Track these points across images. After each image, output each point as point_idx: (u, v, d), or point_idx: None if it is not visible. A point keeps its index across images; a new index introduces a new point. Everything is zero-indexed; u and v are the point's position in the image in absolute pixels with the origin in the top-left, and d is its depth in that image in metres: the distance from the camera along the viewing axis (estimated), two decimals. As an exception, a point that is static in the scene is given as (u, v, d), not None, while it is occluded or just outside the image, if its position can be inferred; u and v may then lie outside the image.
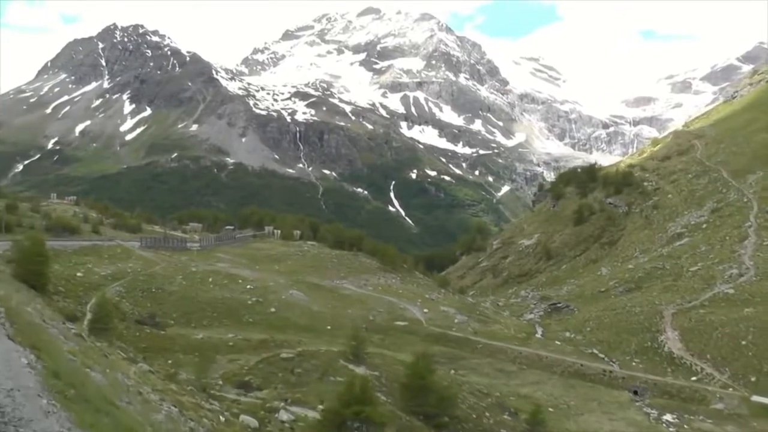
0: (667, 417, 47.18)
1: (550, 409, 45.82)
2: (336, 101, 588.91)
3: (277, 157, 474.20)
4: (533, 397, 49.71)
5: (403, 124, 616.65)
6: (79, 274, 62.23)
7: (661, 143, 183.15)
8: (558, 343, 69.35)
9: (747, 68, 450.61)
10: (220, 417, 20.83)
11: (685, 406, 49.47)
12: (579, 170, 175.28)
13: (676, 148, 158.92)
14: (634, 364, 61.72)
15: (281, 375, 34.73)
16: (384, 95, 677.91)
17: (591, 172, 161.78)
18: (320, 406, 27.87)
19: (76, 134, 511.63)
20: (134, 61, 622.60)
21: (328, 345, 50.75)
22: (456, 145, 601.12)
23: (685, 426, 45.94)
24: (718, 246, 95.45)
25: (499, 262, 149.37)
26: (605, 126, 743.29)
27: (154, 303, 57.44)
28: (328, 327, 58.73)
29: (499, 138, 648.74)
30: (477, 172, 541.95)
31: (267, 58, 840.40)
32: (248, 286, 66.48)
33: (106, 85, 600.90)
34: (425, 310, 70.77)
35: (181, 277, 66.69)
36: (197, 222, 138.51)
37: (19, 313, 17.20)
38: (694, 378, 56.25)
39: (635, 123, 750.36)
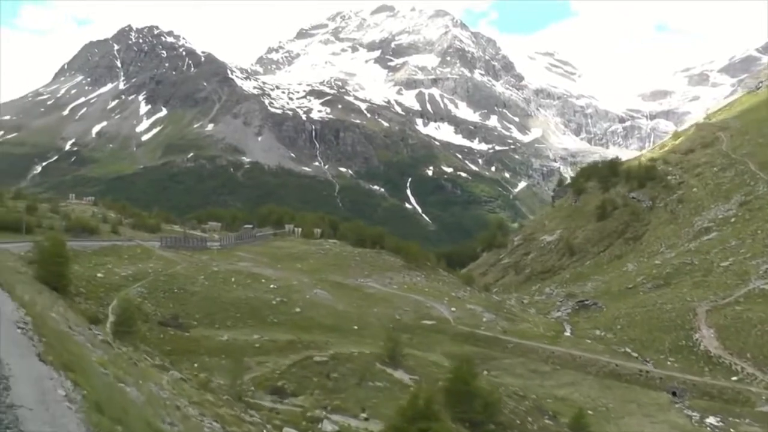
0: (711, 420, 45.28)
1: (589, 412, 43.98)
2: (351, 99, 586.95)
3: (293, 155, 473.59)
4: (570, 399, 48.03)
5: (419, 121, 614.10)
6: (99, 274, 61.14)
7: (682, 136, 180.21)
8: (588, 341, 67.59)
9: (767, 59, 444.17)
10: (263, 430, 19.42)
11: (728, 409, 47.52)
12: (600, 165, 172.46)
13: (700, 141, 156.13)
14: (669, 363, 59.84)
15: (316, 380, 33.24)
16: (399, 92, 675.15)
17: (613, 166, 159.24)
18: (363, 414, 26.33)
19: (93, 135, 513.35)
20: (149, 62, 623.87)
21: (355, 345, 49.39)
22: (472, 142, 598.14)
23: (731, 430, 44.06)
24: (749, 240, 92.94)
25: (521, 258, 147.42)
26: (621, 120, 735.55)
27: (177, 304, 56.20)
28: (355, 327, 57.29)
29: (515, 134, 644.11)
30: (493, 168, 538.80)
31: (282, 57, 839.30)
32: (271, 286, 65.15)
33: (121, 86, 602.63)
34: (452, 309, 69.15)
35: (203, 277, 65.45)
36: (215, 221, 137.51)
37: (45, 321, 15.83)
38: (734, 378, 54.27)
39: (652, 117, 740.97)
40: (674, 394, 51.67)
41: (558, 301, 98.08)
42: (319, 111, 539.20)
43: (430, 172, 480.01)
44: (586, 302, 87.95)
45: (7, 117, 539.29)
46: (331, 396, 30.24)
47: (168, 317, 51.77)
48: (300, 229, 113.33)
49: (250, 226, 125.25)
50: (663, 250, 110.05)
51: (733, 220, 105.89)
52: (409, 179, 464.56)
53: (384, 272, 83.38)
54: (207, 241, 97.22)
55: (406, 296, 71.48)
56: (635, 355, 62.82)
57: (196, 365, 38.67)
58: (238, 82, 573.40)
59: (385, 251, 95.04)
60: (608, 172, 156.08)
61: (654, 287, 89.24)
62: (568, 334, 72.15)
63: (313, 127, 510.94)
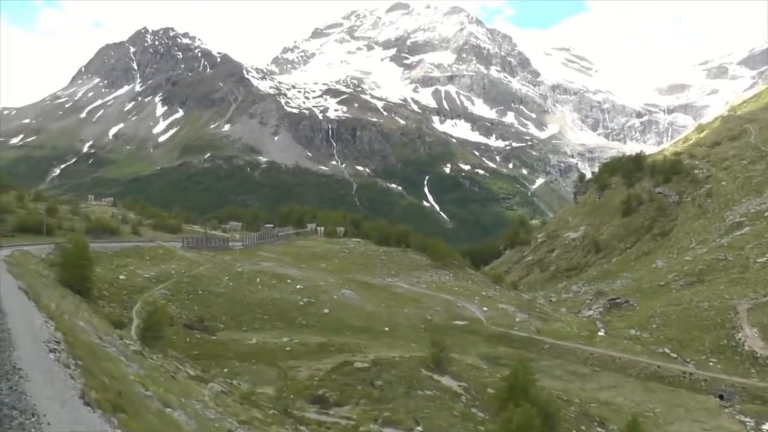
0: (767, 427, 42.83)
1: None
2: (367, 97, 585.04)
3: (310, 154, 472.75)
4: (614, 404, 45.74)
5: (435, 118, 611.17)
6: (121, 276, 59.79)
7: (707, 129, 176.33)
8: (625, 341, 65.28)
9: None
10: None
11: (784, 413, 45.00)
12: (624, 159, 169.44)
13: (726, 134, 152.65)
14: (711, 364, 57.40)
15: (360, 388, 31.20)
16: (415, 90, 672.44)
17: (637, 160, 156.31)
18: (418, 428, 24.32)
19: (110, 137, 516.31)
20: (165, 63, 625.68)
21: (387, 347, 47.68)
22: (489, 138, 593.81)
23: (790, 435, 41.61)
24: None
25: (545, 256, 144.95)
26: (639, 115, 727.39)
27: (202, 306, 54.63)
28: (386, 328, 55.44)
29: (532, 130, 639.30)
30: (511, 165, 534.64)
31: (297, 57, 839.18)
32: (298, 286, 63.40)
33: (138, 88, 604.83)
34: (484, 309, 66.98)
35: (228, 278, 63.86)
36: (236, 221, 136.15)
37: (77, 336, 14.07)
38: (785, 380, 51.73)
39: (669, 111, 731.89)
40: (721, 397, 49.27)
41: (588, 299, 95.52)
42: (336, 110, 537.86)
43: (447, 170, 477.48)
44: (618, 300, 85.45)
45: (27, 120, 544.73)
46: (379, 406, 28.23)
47: (193, 320, 50.27)
48: (323, 228, 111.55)
49: (271, 225, 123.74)
50: (693, 246, 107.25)
51: (767, 214, 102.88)
52: (427, 177, 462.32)
53: (411, 271, 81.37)
54: (229, 241, 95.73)
55: (435, 296, 69.42)
56: (674, 355, 60.47)
57: (226, 370, 37.03)
58: (254, 82, 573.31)
59: (410, 250, 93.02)
60: (633, 166, 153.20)
61: (687, 284, 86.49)
62: (602, 333, 69.80)
63: (330, 125, 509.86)
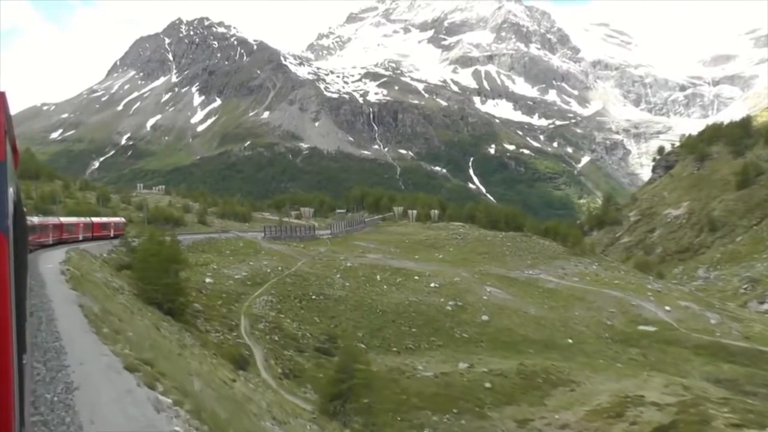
0: None
1: None
2: (407, 80, 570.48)
3: (351, 139, 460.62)
4: None
5: (476, 99, 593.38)
6: (207, 279, 46.13)
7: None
8: None
9: None
10: None
11: None
12: (726, 125, 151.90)
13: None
14: None
15: None
16: (455, 71, 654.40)
17: (744, 126, 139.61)
18: None
19: (148, 129, 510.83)
20: (201, 53, 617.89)
21: (593, 371, 33.29)
22: (532, 117, 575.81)
23: None
24: None
25: (645, 236, 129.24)
26: (682, 88, 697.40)
27: (323, 316, 40.80)
28: (569, 340, 41.22)
29: (575, 107, 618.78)
30: (555, 144, 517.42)
31: (332, 43, 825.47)
32: (432, 285, 49.40)
33: (174, 79, 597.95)
34: (667, 308, 52.00)
35: (340, 276, 50.02)
36: (301, 207, 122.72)
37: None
38: None
39: (715, 83, 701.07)
40: None
41: (742, 288, 79.82)
42: (376, 93, 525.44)
43: (492, 151, 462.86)
44: (794, 289, 69.81)
45: (65, 115, 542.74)
46: None
47: (323, 339, 36.27)
48: (415, 212, 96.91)
49: (343, 210, 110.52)
50: None
51: None
52: (471, 159, 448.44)
53: (550, 261, 66.60)
54: (315, 229, 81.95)
55: (599, 292, 54.66)
56: None
57: (425, 432, 22.95)
58: (292, 68, 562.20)
59: (534, 235, 78.04)
60: (740, 132, 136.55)
61: None
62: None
63: (371, 109, 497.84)
